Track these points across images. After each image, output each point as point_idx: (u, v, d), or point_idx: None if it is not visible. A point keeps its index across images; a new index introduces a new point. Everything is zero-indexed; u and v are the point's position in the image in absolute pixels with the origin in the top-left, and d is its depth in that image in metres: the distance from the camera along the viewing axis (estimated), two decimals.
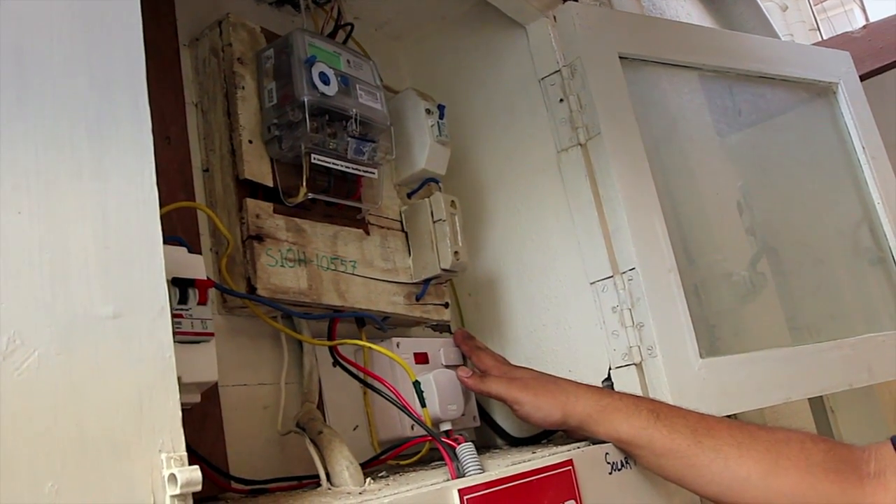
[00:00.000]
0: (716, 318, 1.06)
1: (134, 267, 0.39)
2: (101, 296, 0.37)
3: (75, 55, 0.39)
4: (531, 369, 0.84)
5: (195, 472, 0.37)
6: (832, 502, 0.65)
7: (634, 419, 0.73)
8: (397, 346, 0.83)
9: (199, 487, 0.37)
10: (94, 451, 0.35)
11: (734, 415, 0.90)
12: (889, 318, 1.27)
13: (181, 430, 0.39)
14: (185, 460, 0.38)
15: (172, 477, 0.37)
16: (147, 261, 0.39)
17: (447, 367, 0.87)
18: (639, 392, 0.88)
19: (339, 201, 0.80)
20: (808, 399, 1.46)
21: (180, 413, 0.39)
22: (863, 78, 1.45)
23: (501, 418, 0.96)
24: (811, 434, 0.73)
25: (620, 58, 1.03)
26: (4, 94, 0.36)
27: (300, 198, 0.76)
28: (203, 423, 0.67)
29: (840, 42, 1.90)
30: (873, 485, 0.65)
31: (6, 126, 0.35)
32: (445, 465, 0.63)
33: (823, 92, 1.37)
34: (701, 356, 0.91)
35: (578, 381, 0.82)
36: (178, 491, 0.37)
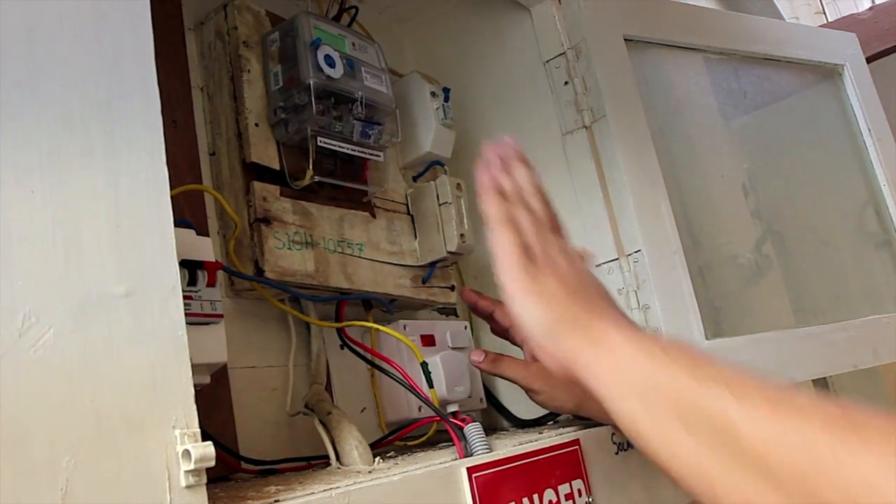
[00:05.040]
0: (721, 299, 1.06)
1: (145, 245, 0.39)
2: (113, 274, 0.37)
3: (84, 33, 0.39)
4: None
5: (209, 448, 0.38)
6: None
7: None
8: (404, 328, 0.84)
9: (212, 463, 0.38)
10: (109, 426, 0.35)
11: None
12: (893, 300, 1.27)
13: (194, 407, 0.39)
14: (199, 436, 0.38)
15: (186, 453, 0.37)
16: (158, 239, 0.40)
17: (454, 349, 0.87)
18: None
19: (346, 184, 0.81)
20: (812, 380, 1.47)
21: (193, 390, 0.39)
22: (869, 60, 1.45)
23: (508, 400, 0.96)
24: None
25: (625, 40, 1.02)
26: (15, 72, 0.36)
27: (306, 181, 0.76)
28: (213, 404, 0.68)
29: (846, 24, 1.89)
30: None
31: (18, 104, 0.36)
32: (453, 445, 0.64)
33: (829, 74, 1.37)
34: (706, 337, 0.91)
35: None
36: (192, 466, 0.37)
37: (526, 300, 0.57)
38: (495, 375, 0.82)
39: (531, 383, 0.78)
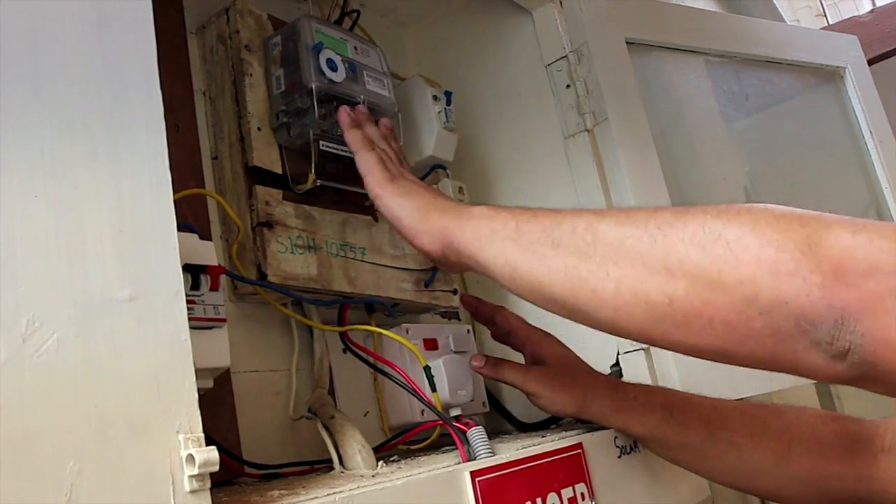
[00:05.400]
0: None
1: (149, 250, 0.39)
2: (117, 279, 0.37)
3: (87, 36, 0.39)
4: (553, 339, 0.82)
5: (212, 453, 0.38)
6: (845, 482, 0.65)
7: (648, 418, 0.73)
8: (407, 332, 0.83)
9: (216, 468, 0.38)
10: (113, 431, 0.35)
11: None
12: None
13: (198, 412, 0.39)
14: (203, 441, 0.38)
15: (190, 457, 0.37)
16: (161, 244, 0.40)
17: (457, 352, 0.87)
18: (647, 377, 0.88)
19: (348, 188, 0.81)
20: (815, 384, 1.46)
21: (196, 395, 0.39)
22: (870, 62, 1.45)
23: (511, 404, 0.96)
24: (822, 413, 0.73)
25: (627, 43, 1.02)
26: (17, 75, 0.36)
27: (309, 185, 0.76)
28: (216, 408, 0.68)
29: (847, 26, 1.89)
30: (887, 460, 0.65)
31: (20, 108, 0.36)
32: (456, 449, 0.64)
33: (831, 76, 1.37)
34: None
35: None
36: (196, 471, 0.37)
37: (394, 196, 0.67)
38: (496, 380, 0.81)
39: (532, 388, 0.77)
